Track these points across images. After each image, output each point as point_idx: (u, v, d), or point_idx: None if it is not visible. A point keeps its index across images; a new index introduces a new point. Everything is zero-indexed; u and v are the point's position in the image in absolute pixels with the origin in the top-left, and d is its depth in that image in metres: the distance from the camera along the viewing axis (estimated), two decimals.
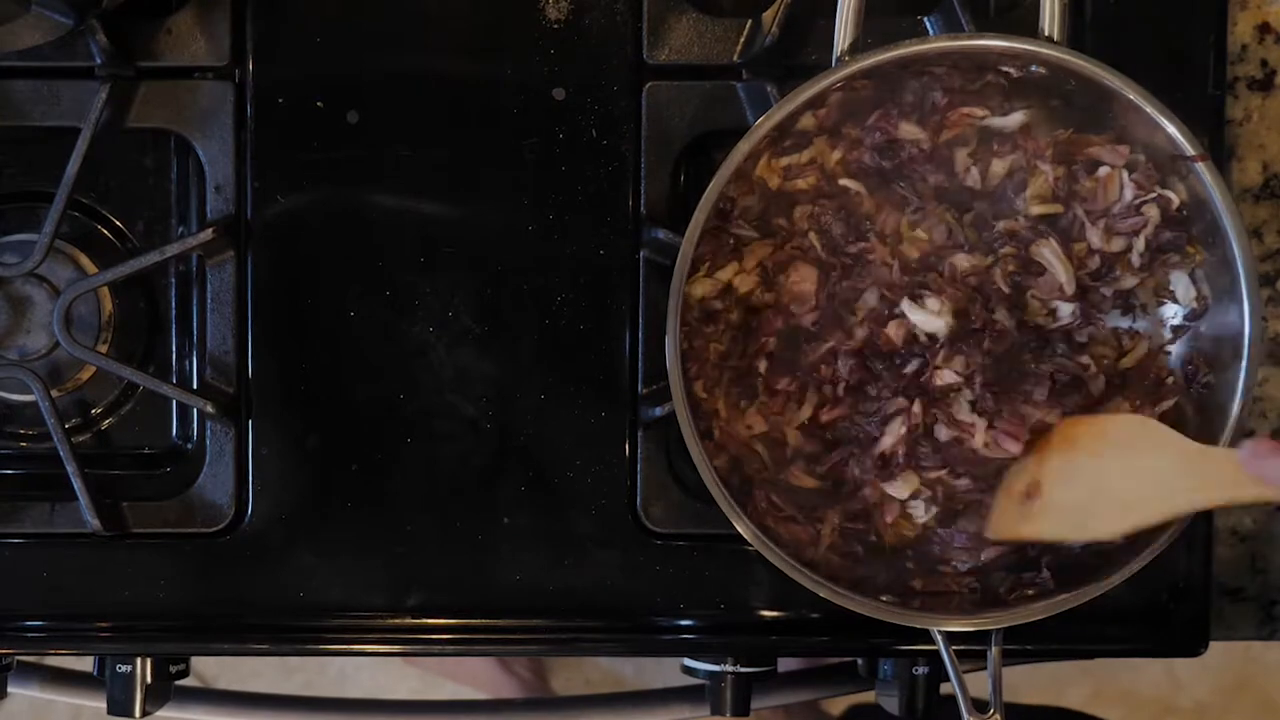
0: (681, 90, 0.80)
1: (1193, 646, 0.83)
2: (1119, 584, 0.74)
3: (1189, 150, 0.72)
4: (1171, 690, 1.74)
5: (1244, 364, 0.73)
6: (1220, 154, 0.83)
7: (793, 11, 0.78)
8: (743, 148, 0.71)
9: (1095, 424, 0.76)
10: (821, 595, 0.73)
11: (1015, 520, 0.76)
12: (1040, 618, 0.73)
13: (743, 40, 0.81)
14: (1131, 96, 0.72)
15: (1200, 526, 0.83)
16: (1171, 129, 0.72)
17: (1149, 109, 0.72)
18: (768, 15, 0.78)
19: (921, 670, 0.83)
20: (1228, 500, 0.72)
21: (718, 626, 0.83)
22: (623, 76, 0.75)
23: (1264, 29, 0.85)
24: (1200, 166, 0.72)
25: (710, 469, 0.72)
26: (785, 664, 0.87)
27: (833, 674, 0.91)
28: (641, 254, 0.81)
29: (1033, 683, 1.73)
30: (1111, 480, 0.74)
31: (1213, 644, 0.83)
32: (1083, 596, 0.73)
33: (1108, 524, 0.74)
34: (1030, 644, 0.83)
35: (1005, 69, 0.74)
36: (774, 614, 0.82)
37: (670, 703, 0.90)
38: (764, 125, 0.71)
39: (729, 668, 0.83)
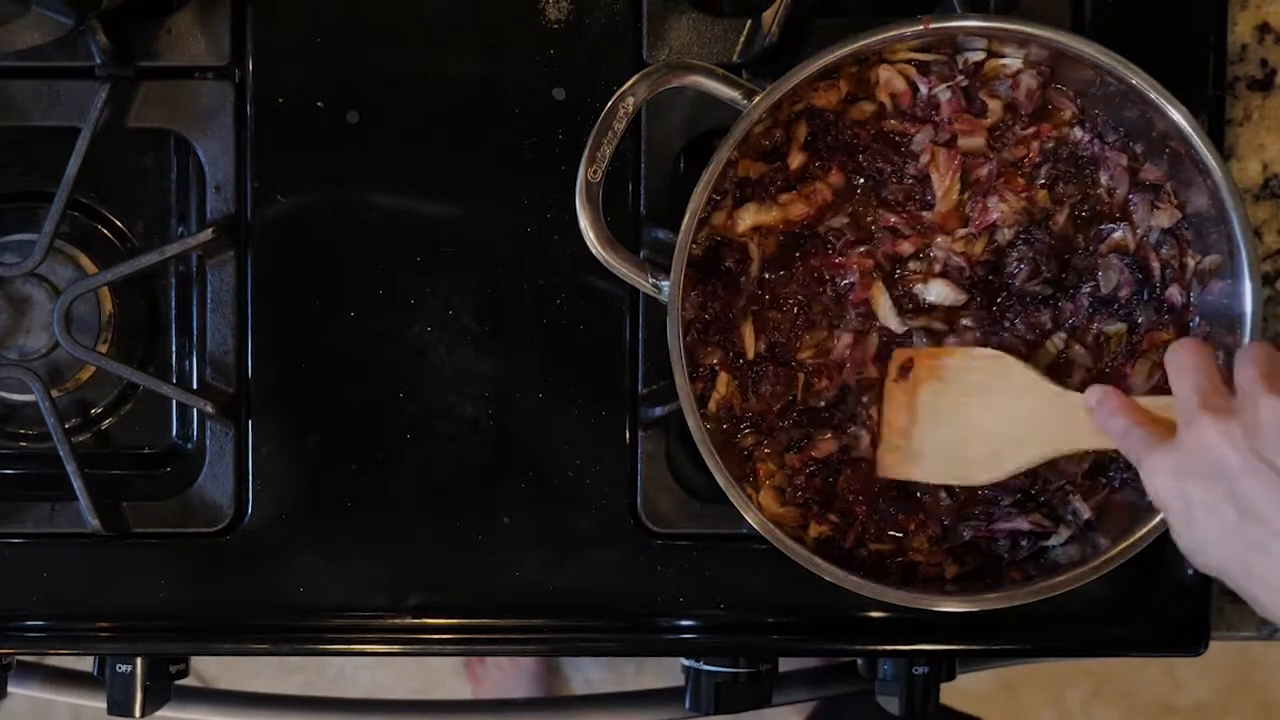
0: (681, 90, 0.80)
1: (1193, 646, 0.83)
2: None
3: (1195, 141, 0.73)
4: (1171, 690, 1.74)
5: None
6: (1220, 154, 0.83)
7: (793, 12, 0.78)
8: (738, 130, 0.73)
9: (957, 356, 0.75)
10: (826, 579, 0.73)
11: (900, 459, 0.76)
12: (1038, 599, 0.74)
13: (743, 40, 0.81)
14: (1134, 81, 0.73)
15: None
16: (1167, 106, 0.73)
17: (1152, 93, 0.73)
18: (768, 15, 0.78)
19: (921, 670, 0.83)
20: (1090, 447, 0.72)
21: (718, 626, 0.83)
22: (623, 76, 0.75)
23: (1264, 29, 0.85)
24: (1214, 168, 0.73)
25: (713, 452, 0.73)
26: (785, 664, 0.87)
27: (833, 674, 0.91)
28: (642, 254, 0.81)
29: (1033, 682, 1.73)
30: (980, 420, 0.74)
31: (1213, 644, 0.83)
32: (1071, 583, 0.74)
33: (984, 471, 0.74)
34: (1030, 642, 0.83)
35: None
36: (774, 614, 0.82)
37: (670, 703, 0.90)
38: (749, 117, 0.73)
39: (730, 668, 0.83)
